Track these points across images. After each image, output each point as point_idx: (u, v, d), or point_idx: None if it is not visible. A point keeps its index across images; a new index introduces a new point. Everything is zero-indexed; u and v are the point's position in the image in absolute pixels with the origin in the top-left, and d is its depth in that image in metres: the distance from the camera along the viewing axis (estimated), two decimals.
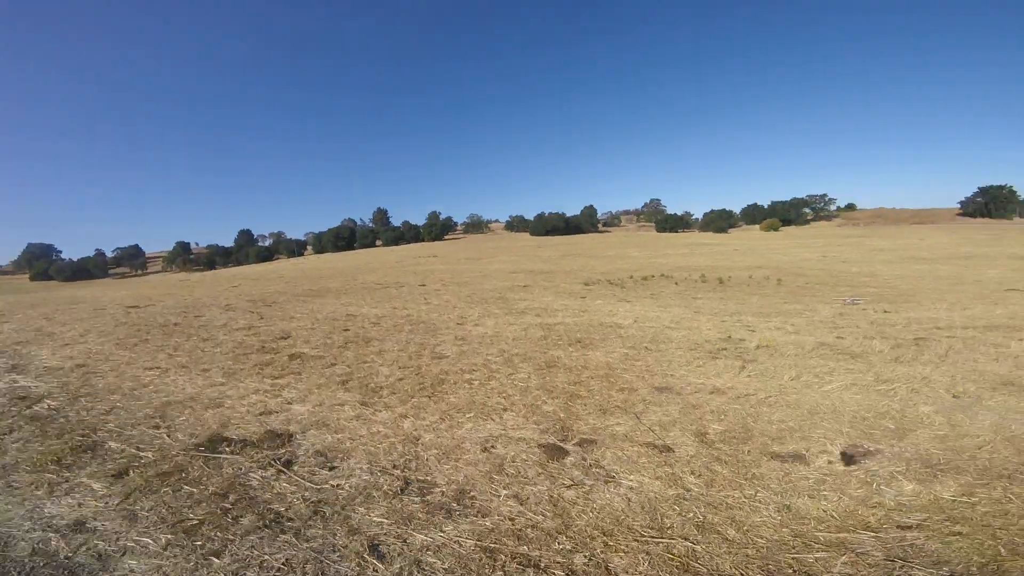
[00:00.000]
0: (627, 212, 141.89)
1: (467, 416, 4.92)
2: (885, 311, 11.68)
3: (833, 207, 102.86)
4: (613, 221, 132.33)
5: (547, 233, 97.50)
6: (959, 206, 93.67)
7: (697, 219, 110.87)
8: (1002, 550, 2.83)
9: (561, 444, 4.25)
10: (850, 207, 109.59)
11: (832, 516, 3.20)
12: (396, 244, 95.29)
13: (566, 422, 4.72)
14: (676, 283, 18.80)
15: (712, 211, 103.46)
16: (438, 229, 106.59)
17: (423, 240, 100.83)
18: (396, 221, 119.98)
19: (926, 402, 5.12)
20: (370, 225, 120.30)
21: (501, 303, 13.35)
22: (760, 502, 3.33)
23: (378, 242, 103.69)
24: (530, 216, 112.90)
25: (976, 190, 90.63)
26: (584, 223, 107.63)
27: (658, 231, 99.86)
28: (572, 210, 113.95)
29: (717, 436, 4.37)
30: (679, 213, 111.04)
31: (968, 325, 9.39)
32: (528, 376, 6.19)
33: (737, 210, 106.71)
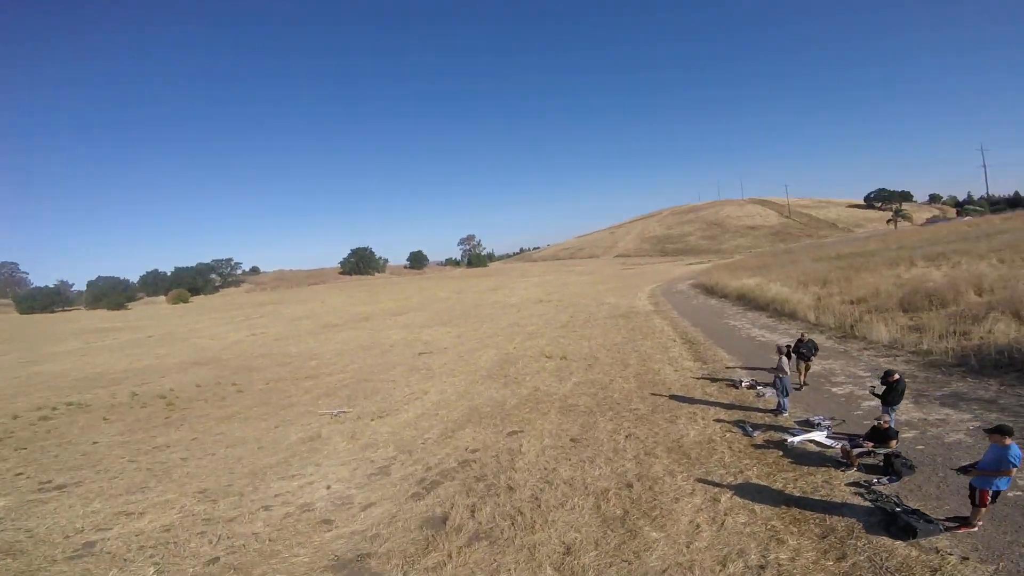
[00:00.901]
0: None
1: None
2: (372, 420, 13.55)
3: (239, 271, 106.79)
4: None
5: None
6: (340, 265, 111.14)
7: (79, 291, 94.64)
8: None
9: None
10: (255, 271, 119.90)
11: None
12: None
13: None
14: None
15: (101, 279, 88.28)
16: None
17: None
18: None
19: None
20: None
21: None
22: None
23: None
24: None
25: (349, 251, 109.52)
26: None
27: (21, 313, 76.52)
28: None
29: None
30: (52, 284, 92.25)
31: (447, 433, 11.89)
32: None
33: (134, 279, 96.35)
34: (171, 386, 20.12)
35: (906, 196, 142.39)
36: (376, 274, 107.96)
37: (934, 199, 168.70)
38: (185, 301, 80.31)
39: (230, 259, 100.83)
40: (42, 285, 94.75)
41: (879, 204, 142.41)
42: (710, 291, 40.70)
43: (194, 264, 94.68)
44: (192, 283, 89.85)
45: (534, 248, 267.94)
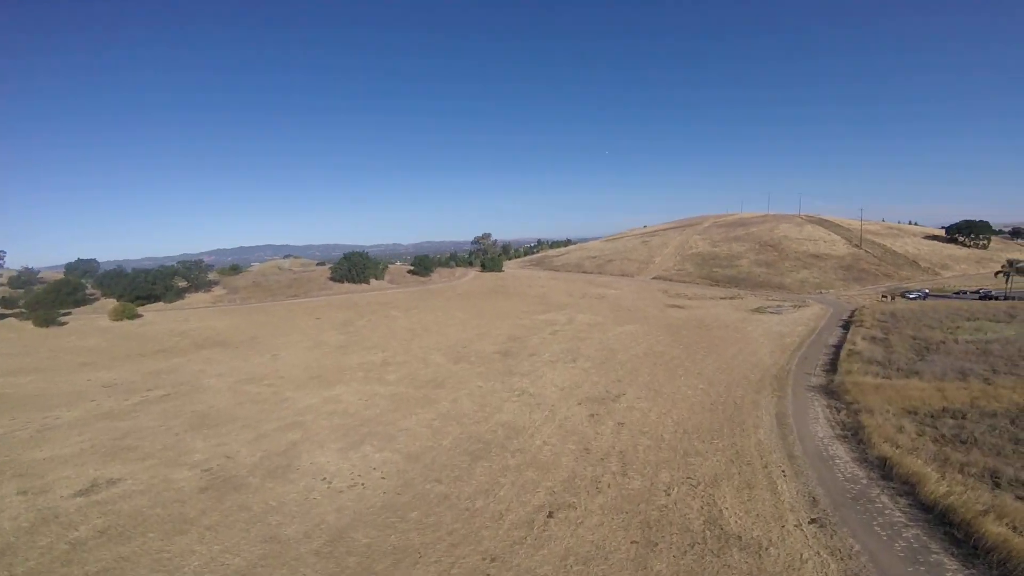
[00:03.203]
0: None
1: None
2: None
3: (213, 269, 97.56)
4: None
5: None
6: (330, 271, 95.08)
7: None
8: None
9: None
10: (234, 269, 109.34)
11: None
12: None
13: None
14: None
15: (25, 273, 77.33)
16: None
17: None
18: None
19: None
20: None
21: None
22: None
23: None
24: None
25: (342, 256, 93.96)
26: None
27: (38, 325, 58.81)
28: None
29: None
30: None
31: None
32: None
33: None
34: None
35: (985, 227, 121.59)
36: (373, 281, 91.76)
37: (1017, 233, 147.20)
38: (131, 317, 65.32)
39: (200, 261, 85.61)
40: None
41: (961, 238, 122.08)
42: None
43: (180, 254, 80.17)
44: (150, 289, 74.69)
45: (554, 244, 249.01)
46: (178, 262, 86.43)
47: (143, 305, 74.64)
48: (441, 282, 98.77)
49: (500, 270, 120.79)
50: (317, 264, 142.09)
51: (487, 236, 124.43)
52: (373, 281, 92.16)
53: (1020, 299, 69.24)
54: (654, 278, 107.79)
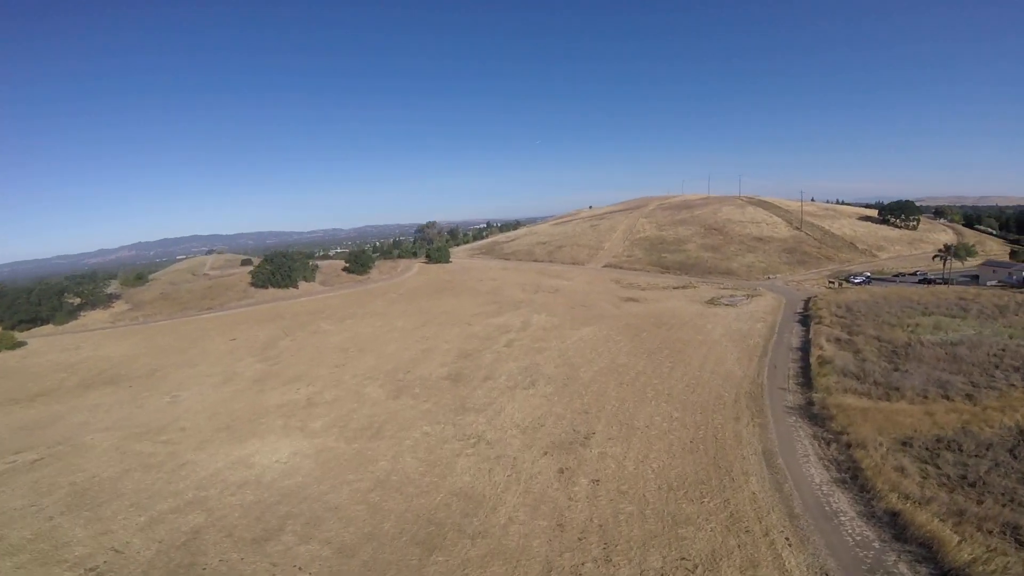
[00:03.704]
0: None
1: None
2: None
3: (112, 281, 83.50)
4: None
5: None
6: (250, 276, 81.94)
7: None
8: None
9: None
10: (139, 279, 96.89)
11: None
12: None
13: None
14: None
15: None
16: None
17: None
18: None
19: None
20: None
21: None
22: None
23: None
24: None
25: (263, 258, 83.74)
26: None
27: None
28: None
29: None
30: None
31: None
32: None
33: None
34: None
35: (913, 208, 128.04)
36: (303, 284, 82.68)
37: (940, 214, 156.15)
38: (10, 347, 54.24)
39: (94, 272, 75.02)
40: None
41: (892, 219, 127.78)
42: None
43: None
44: (35, 311, 62.64)
45: (503, 227, 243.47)
46: (66, 276, 73.93)
47: (28, 330, 62.85)
48: (381, 279, 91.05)
49: (447, 261, 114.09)
50: (242, 262, 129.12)
51: (432, 224, 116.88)
52: (303, 284, 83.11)
53: (957, 283, 71.98)
54: (605, 266, 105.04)
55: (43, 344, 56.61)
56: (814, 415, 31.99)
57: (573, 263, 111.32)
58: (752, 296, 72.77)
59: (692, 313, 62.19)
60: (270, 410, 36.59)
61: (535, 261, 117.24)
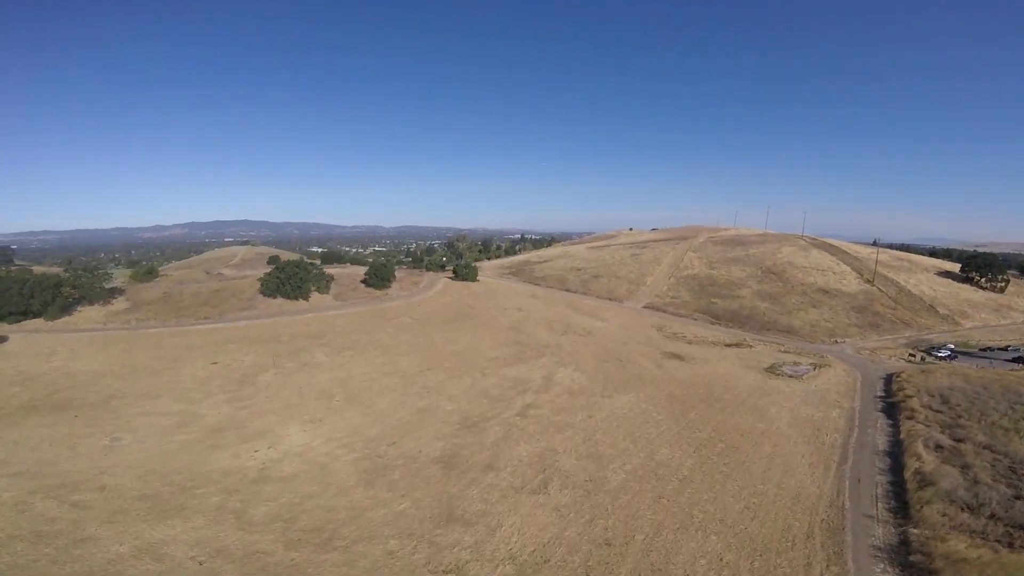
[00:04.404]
0: None
1: None
2: None
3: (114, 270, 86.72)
4: None
5: None
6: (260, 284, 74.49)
7: None
8: None
9: None
10: (148, 273, 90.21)
11: None
12: None
13: None
14: None
15: None
16: None
17: None
18: None
19: None
20: None
21: None
22: None
23: None
24: None
25: (274, 266, 76.74)
26: None
27: None
28: None
29: None
30: None
31: None
32: None
33: None
34: None
35: (1000, 266, 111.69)
36: (314, 295, 76.63)
37: None
38: None
39: (95, 265, 71.17)
40: None
41: (976, 276, 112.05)
42: None
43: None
44: (26, 303, 58.65)
45: (537, 242, 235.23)
46: (65, 268, 70.43)
47: (19, 323, 58.78)
48: (401, 296, 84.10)
49: (474, 280, 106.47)
50: (268, 260, 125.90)
51: (463, 238, 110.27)
52: (315, 295, 77.02)
53: None
54: (646, 306, 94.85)
55: (21, 344, 51.82)
56: (912, 566, 22.29)
57: (610, 298, 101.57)
58: (820, 366, 61.70)
59: (750, 386, 51.94)
60: (213, 478, 29.21)
61: (567, 290, 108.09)
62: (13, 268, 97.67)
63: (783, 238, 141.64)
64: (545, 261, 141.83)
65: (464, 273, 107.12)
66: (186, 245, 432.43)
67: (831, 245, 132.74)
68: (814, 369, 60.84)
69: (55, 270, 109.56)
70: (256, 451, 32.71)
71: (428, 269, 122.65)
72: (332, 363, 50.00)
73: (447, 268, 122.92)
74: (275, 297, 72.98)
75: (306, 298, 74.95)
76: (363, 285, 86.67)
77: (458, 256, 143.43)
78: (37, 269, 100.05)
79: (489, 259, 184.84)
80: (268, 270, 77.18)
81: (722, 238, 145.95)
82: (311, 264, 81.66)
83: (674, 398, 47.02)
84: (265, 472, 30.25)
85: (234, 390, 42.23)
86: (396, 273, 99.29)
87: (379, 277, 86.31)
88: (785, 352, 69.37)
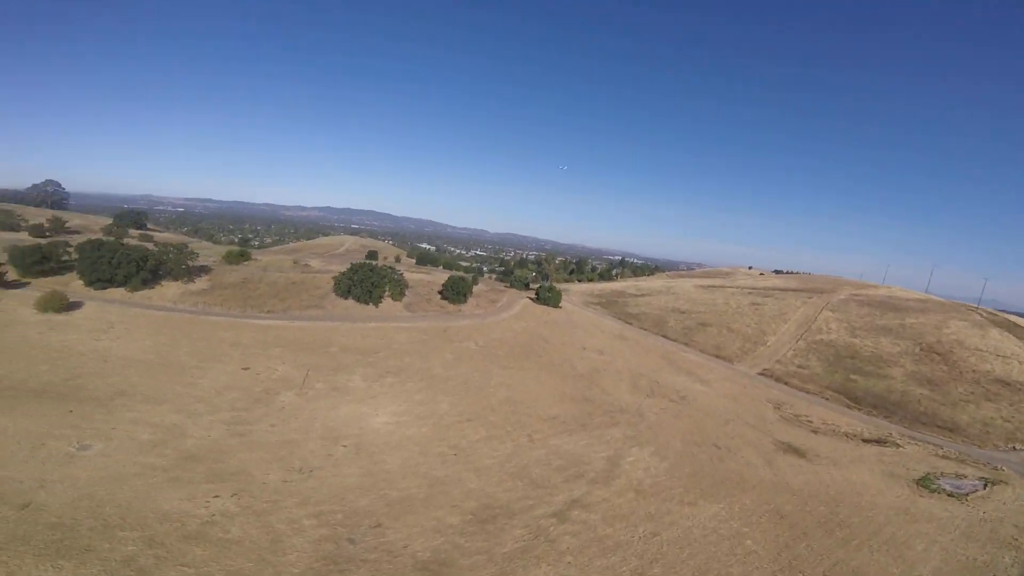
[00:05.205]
0: None
1: None
2: None
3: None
4: None
5: None
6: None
7: None
8: None
9: None
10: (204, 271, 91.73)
11: None
12: None
13: None
14: None
15: None
16: None
17: None
18: None
19: None
20: None
21: None
22: None
23: None
24: None
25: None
26: None
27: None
28: None
29: None
30: None
31: None
32: None
33: None
34: None
35: None
36: (386, 301, 72.19)
37: None
38: (57, 310, 51.49)
39: (184, 245, 73.71)
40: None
41: None
42: None
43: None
44: (112, 272, 60.78)
45: (637, 270, 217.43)
46: (156, 243, 72.78)
47: (104, 290, 61.02)
48: (474, 314, 76.95)
49: (556, 306, 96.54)
50: (367, 255, 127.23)
51: (551, 259, 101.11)
52: (387, 301, 72.44)
53: None
54: (762, 372, 77.67)
55: (89, 313, 52.36)
56: None
57: (717, 355, 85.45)
58: (992, 482, 43.48)
59: (891, 505, 36.11)
60: (146, 521, 22.62)
61: (664, 336, 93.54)
62: (139, 233, 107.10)
63: (951, 308, 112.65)
64: (643, 295, 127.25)
65: (546, 297, 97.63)
66: (317, 227, 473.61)
67: (1018, 326, 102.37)
68: (984, 486, 42.72)
69: (176, 238, 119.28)
70: (215, 497, 25.99)
71: (512, 285, 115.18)
72: (365, 392, 43.23)
73: (531, 287, 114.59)
74: (346, 298, 69.49)
75: (376, 304, 70.55)
76: (438, 296, 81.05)
77: (544, 277, 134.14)
78: (160, 236, 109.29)
79: (580, 281, 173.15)
80: (341, 272, 74.23)
81: (868, 298, 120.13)
82: (387, 268, 77.49)
83: (782, 517, 33.22)
84: (205, 528, 23.17)
85: (243, 409, 36.81)
86: (477, 287, 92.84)
87: (455, 291, 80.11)
88: (944, 457, 50.51)
